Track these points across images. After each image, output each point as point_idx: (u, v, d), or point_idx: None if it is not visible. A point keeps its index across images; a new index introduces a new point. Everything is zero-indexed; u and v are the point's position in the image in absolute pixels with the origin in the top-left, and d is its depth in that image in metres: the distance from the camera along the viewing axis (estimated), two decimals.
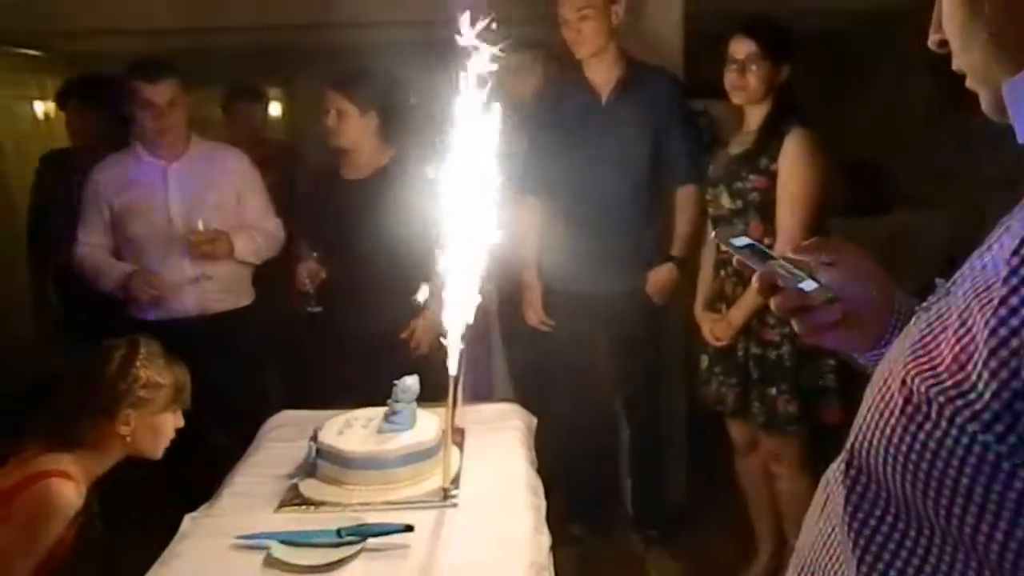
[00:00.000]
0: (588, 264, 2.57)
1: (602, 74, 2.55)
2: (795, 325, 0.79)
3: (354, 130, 2.53)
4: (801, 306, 0.78)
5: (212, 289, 2.55)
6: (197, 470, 2.38)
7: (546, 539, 1.42)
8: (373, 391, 1.70)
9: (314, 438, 1.62)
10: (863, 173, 3.92)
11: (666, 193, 2.62)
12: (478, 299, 1.49)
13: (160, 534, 1.42)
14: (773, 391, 2.25)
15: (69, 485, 1.48)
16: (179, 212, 2.51)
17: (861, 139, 4.32)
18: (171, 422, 1.67)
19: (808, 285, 0.76)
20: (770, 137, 2.24)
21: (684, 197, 2.58)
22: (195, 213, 2.46)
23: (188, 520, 1.44)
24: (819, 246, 0.82)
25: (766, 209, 2.24)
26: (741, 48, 2.24)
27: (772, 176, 2.22)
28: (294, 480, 1.58)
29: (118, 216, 2.51)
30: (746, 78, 2.24)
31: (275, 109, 5.53)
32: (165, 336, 2.48)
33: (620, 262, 2.58)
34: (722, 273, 2.37)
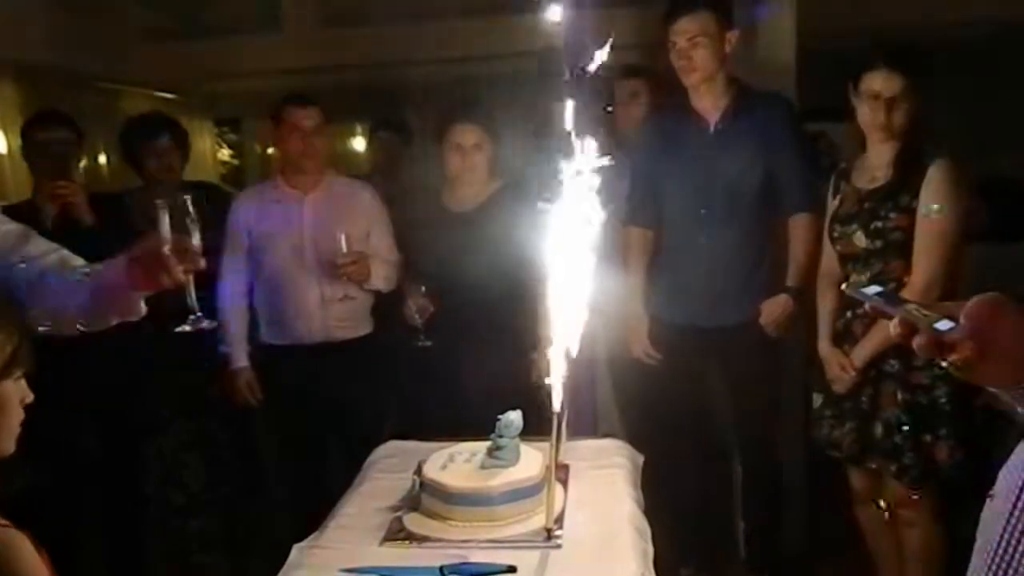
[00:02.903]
0: (697, 296, 2.49)
1: (710, 100, 2.47)
2: (945, 365, 0.80)
3: (484, 161, 2.57)
4: (942, 344, 0.78)
5: (338, 316, 2.64)
6: (308, 497, 2.46)
7: None
8: (480, 424, 1.69)
9: (418, 471, 1.62)
10: (1003, 193, 3.64)
11: (780, 221, 2.51)
12: (583, 332, 1.46)
13: (261, 560, 1.45)
14: (928, 437, 2.08)
15: None
16: (313, 241, 2.62)
17: (999, 156, 4.02)
18: (12, 392, 1.21)
19: (944, 324, 0.78)
20: (911, 171, 2.07)
21: (800, 225, 2.46)
22: (329, 242, 2.56)
23: (296, 551, 1.46)
24: (949, 309, 0.81)
25: (908, 248, 2.08)
26: (888, 84, 2.05)
27: (914, 213, 2.06)
28: (399, 513, 1.58)
29: (256, 242, 2.65)
30: (892, 116, 2.06)
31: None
32: (291, 360, 2.63)
33: (732, 294, 2.49)
34: (849, 314, 2.23)
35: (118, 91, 4.05)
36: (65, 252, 1.57)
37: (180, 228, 1.46)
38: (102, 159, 3.86)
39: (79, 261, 1.56)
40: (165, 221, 1.45)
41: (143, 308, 1.54)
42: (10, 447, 1.20)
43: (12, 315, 1.27)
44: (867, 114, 2.11)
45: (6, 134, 3.24)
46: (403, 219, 2.81)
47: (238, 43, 4.26)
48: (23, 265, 1.50)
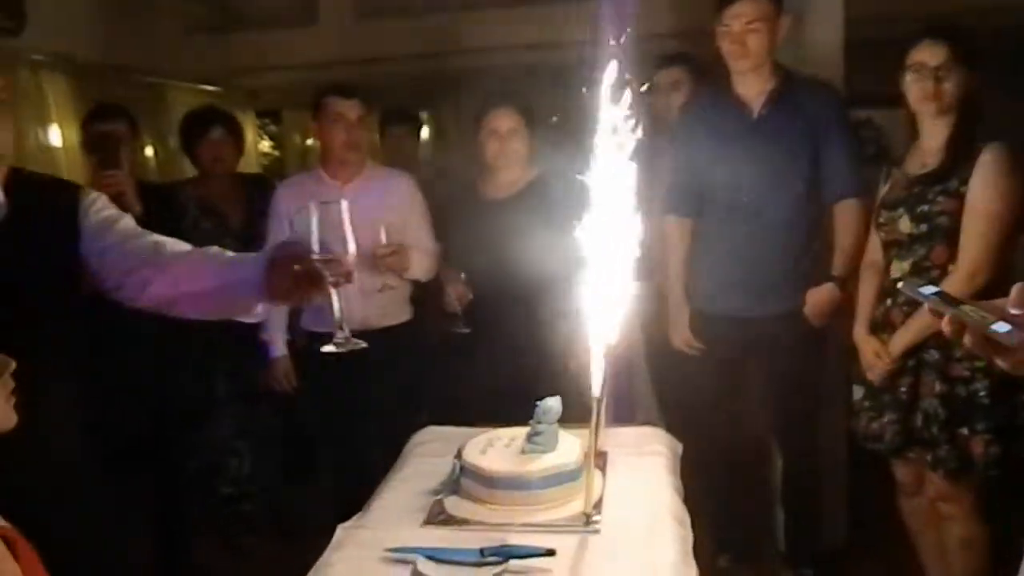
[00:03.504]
0: (742, 286, 2.47)
1: (755, 87, 2.43)
2: (998, 363, 0.81)
3: (520, 148, 2.58)
4: (996, 345, 0.78)
5: (378, 305, 2.67)
6: (351, 481, 2.51)
7: (693, 572, 1.37)
8: (518, 410, 1.71)
9: (458, 456, 1.64)
10: None
11: (825, 208, 2.47)
12: (621, 320, 1.46)
13: (305, 541, 1.49)
14: (965, 431, 2.05)
15: None
16: (353, 230, 2.65)
17: None
18: None
19: (1000, 327, 0.78)
20: (962, 154, 2.04)
21: (846, 212, 2.41)
22: (369, 232, 2.60)
23: (341, 531, 1.49)
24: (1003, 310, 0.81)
25: (953, 234, 2.04)
26: (933, 54, 2.04)
27: (963, 198, 2.02)
28: (439, 496, 1.61)
29: (297, 231, 2.69)
30: (941, 86, 2.03)
31: (423, 133, 5.76)
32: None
33: (777, 283, 2.45)
34: (888, 302, 2.20)
35: (164, 85, 4.14)
36: (162, 238, 1.50)
37: (331, 234, 1.34)
38: (149, 151, 3.95)
39: (183, 246, 1.49)
40: (314, 225, 1.34)
41: (261, 311, 1.45)
42: (9, 423, 1.10)
43: None
44: (914, 87, 2.08)
45: (61, 127, 3.34)
46: (441, 208, 2.83)
47: (278, 36, 4.32)
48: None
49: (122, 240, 1.48)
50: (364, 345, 1.44)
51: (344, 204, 1.39)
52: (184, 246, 1.50)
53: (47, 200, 1.47)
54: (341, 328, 1.40)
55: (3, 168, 1.44)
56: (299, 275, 1.32)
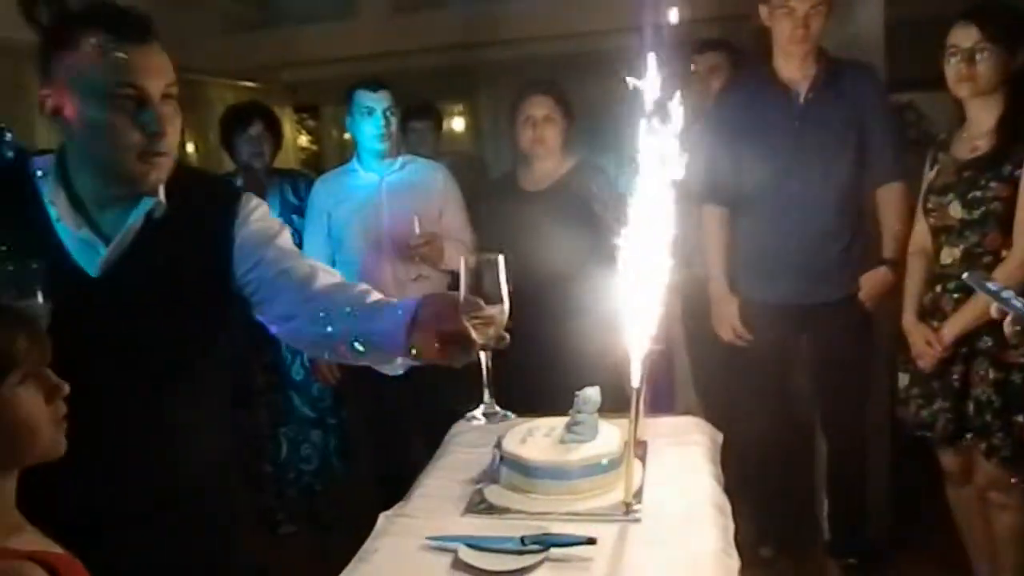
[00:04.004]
0: (793, 273, 2.44)
1: (800, 71, 2.39)
2: None
3: (556, 136, 2.58)
4: None
5: (415, 294, 2.69)
6: (391, 471, 2.54)
7: (734, 561, 1.36)
8: (558, 401, 1.71)
9: (498, 445, 1.65)
10: None
11: (870, 193, 2.43)
12: (661, 310, 1.45)
13: (350, 532, 1.51)
14: (1021, 418, 2.00)
15: None
16: (388, 222, 2.68)
17: None
18: (25, 400, 0.98)
19: None
20: (1014, 137, 1.99)
21: (892, 195, 2.39)
22: (404, 223, 2.62)
23: (383, 519, 1.51)
24: None
25: (1007, 219, 2.00)
26: (966, 35, 2.01)
27: (1016, 183, 1.98)
28: (479, 486, 1.62)
29: (335, 224, 2.74)
30: (975, 68, 2.00)
31: (458, 124, 5.78)
32: None
33: (829, 269, 2.43)
34: (938, 288, 2.15)
35: (204, 81, 4.22)
36: (315, 265, 1.40)
37: (486, 290, 1.20)
38: (190, 147, 4.03)
39: (332, 278, 1.37)
40: (464, 279, 1.19)
41: (401, 365, 1.31)
42: (59, 450, 1.02)
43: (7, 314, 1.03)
44: (950, 69, 2.05)
45: None
46: (478, 199, 2.84)
47: (315, 31, 4.37)
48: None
49: (277, 258, 1.36)
50: (512, 416, 1.36)
51: (501, 259, 1.25)
52: (333, 277, 1.39)
53: (206, 201, 1.37)
54: (490, 397, 1.28)
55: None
56: (445, 337, 1.19)
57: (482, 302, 1.21)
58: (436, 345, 1.20)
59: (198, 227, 1.33)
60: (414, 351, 1.22)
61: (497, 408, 1.30)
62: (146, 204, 1.27)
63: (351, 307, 1.29)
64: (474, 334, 1.18)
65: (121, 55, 1.16)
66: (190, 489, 1.35)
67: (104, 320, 1.22)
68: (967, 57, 2.01)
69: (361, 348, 1.27)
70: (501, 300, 1.21)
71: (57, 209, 1.25)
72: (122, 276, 1.26)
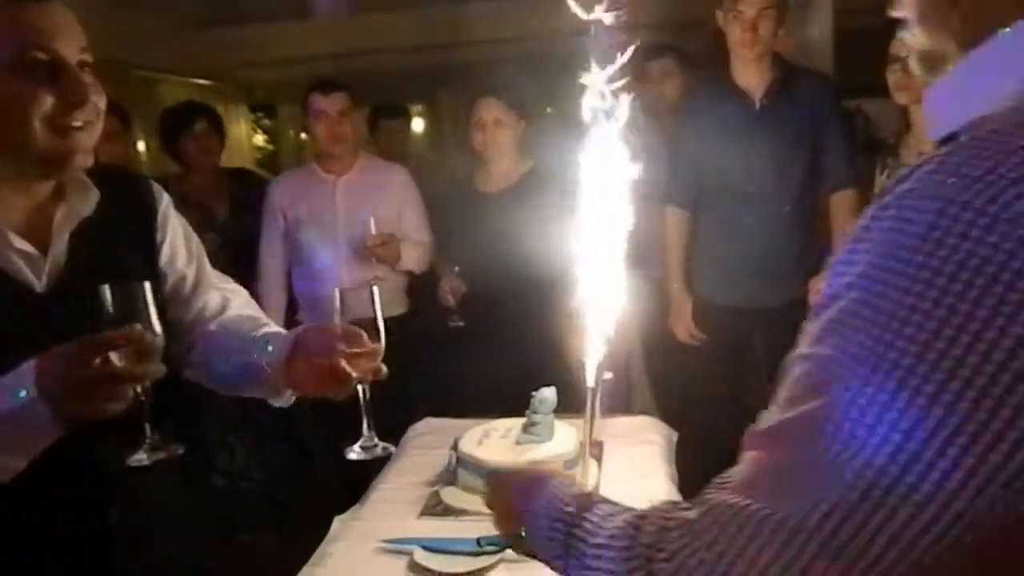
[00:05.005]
0: (746, 275, 2.48)
1: (756, 76, 2.43)
2: None
3: (508, 139, 2.58)
4: None
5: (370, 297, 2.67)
6: (347, 475, 2.51)
7: None
8: (513, 402, 1.72)
9: (455, 447, 1.65)
10: None
11: (824, 197, 2.49)
12: (617, 311, 1.46)
13: (308, 538, 1.49)
14: None
15: None
16: (345, 223, 2.66)
17: None
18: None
19: None
20: None
21: (844, 201, 2.45)
22: (360, 224, 2.60)
23: (338, 523, 1.50)
24: None
25: None
26: (904, 46, 2.09)
27: None
28: (436, 487, 1.62)
29: (291, 225, 2.71)
30: (912, 78, 2.08)
31: (417, 125, 5.76)
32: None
33: (781, 273, 2.48)
34: None
35: (155, 79, 4.13)
36: (222, 288, 1.31)
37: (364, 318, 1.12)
38: (141, 146, 3.94)
39: (232, 311, 1.28)
40: (338, 307, 1.13)
41: (289, 397, 1.26)
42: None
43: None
44: (890, 78, 2.13)
45: None
46: (435, 201, 2.83)
47: (272, 30, 4.31)
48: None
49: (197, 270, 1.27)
50: (392, 450, 1.29)
51: (376, 290, 1.20)
52: (234, 309, 1.30)
53: (127, 195, 1.21)
54: (369, 430, 1.23)
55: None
56: (321, 371, 1.14)
57: (364, 334, 1.14)
58: (311, 381, 1.14)
59: (126, 224, 1.18)
60: (289, 385, 1.18)
61: (377, 441, 1.23)
62: (93, 198, 1.11)
63: (235, 337, 1.23)
64: (348, 368, 1.12)
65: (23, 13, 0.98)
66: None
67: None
68: (905, 67, 2.08)
69: (247, 379, 1.21)
70: (377, 331, 1.16)
71: None
72: (68, 288, 1.08)
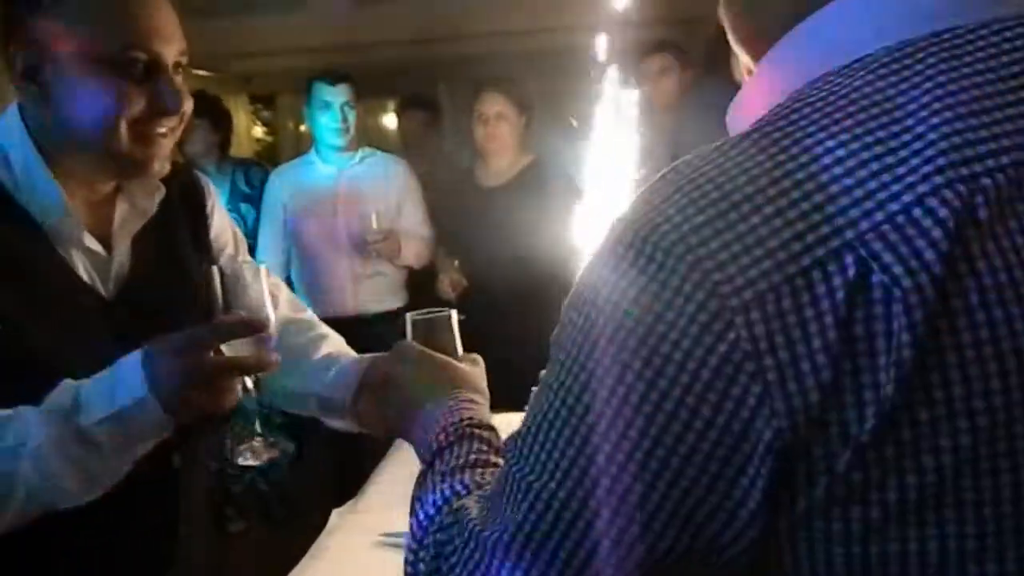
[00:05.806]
0: None
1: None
2: None
3: (509, 133, 2.58)
4: None
5: (370, 291, 2.68)
6: (344, 467, 2.51)
7: None
8: (513, 397, 1.71)
9: None
10: None
11: None
12: None
13: (301, 529, 1.49)
14: None
15: None
16: (344, 216, 2.66)
17: None
18: None
19: None
20: None
21: None
22: (360, 217, 2.60)
23: (336, 516, 1.50)
24: None
25: None
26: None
27: None
28: None
29: (291, 216, 2.70)
30: None
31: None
32: None
33: None
34: None
35: None
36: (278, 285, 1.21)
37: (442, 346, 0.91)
38: None
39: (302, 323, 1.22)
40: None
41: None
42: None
43: None
44: None
45: None
46: (436, 195, 2.83)
47: (272, 21, 4.29)
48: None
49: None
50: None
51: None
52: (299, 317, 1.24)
53: (180, 192, 1.13)
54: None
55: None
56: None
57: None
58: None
59: (183, 221, 1.11)
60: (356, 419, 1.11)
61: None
62: (158, 196, 1.04)
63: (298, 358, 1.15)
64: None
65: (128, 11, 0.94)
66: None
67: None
68: None
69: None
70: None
71: (43, 211, 0.94)
72: (132, 290, 1.00)
